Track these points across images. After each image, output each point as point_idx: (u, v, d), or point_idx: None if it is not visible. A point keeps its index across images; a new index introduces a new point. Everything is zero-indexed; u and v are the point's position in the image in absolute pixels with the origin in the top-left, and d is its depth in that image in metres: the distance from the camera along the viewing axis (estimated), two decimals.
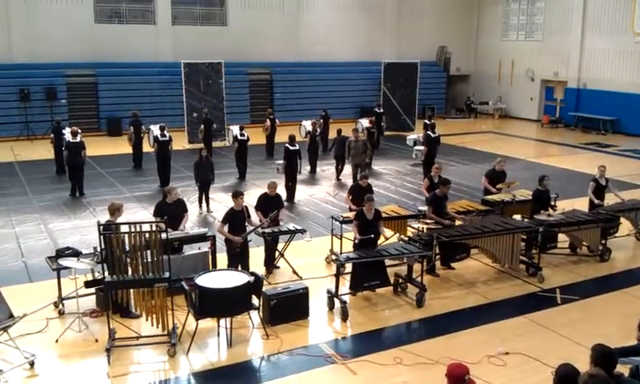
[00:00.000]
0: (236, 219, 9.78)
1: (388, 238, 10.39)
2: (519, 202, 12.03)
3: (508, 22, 32.17)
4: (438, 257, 10.43)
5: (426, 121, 20.35)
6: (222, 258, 10.08)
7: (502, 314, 9.07)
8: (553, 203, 11.78)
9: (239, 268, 9.41)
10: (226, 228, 9.72)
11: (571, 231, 11.05)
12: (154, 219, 9.06)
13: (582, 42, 28.28)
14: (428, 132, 18.17)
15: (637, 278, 10.60)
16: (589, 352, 4.94)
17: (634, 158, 21.79)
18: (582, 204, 12.74)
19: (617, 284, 10.33)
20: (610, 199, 12.48)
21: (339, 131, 18.26)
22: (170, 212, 9.63)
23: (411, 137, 22.92)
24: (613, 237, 11.90)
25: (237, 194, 9.92)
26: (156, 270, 7.70)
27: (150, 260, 7.70)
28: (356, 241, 9.67)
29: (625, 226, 12.27)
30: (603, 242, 11.33)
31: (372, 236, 9.58)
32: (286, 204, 13.36)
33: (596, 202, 12.08)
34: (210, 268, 9.38)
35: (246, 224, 9.93)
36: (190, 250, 9.80)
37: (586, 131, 27.44)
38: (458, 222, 10.88)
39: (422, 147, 18.49)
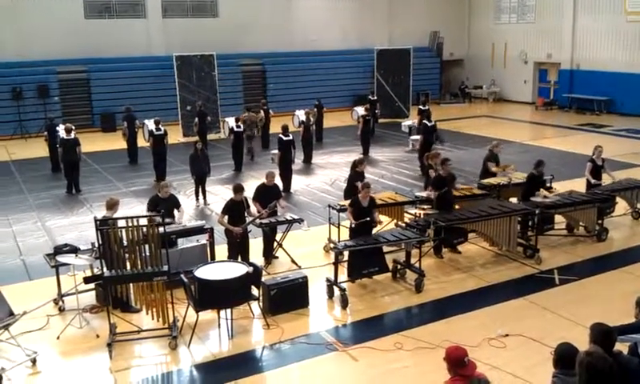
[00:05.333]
0: (236, 210, 9.81)
1: (382, 223, 10.36)
2: (515, 185, 12.03)
3: (500, 5, 32.07)
4: (435, 242, 10.44)
5: (421, 106, 20.53)
6: (220, 250, 10.10)
7: (501, 297, 9.11)
8: (549, 185, 11.80)
9: (239, 258, 9.43)
10: (225, 218, 9.75)
11: (567, 212, 11.09)
12: (149, 213, 9.04)
13: (574, 23, 28.21)
14: (424, 121, 18.14)
15: (634, 256, 10.64)
16: (588, 331, 4.96)
17: (629, 137, 21.82)
18: (578, 185, 12.77)
19: (614, 263, 10.36)
20: (607, 179, 12.51)
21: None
22: (164, 207, 9.55)
23: (406, 123, 22.93)
24: (609, 216, 11.97)
25: (238, 189, 9.89)
26: (154, 264, 7.71)
27: (148, 254, 7.70)
28: (353, 226, 9.56)
29: (621, 205, 12.32)
30: (600, 221, 11.36)
31: (367, 218, 9.50)
32: (282, 194, 13.36)
33: (593, 181, 12.11)
34: (209, 260, 9.38)
35: (246, 214, 9.94)
36: (187, 242, 9.79)
37: (580, 112, 27.46)
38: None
39: (417, 137, 18.43)
